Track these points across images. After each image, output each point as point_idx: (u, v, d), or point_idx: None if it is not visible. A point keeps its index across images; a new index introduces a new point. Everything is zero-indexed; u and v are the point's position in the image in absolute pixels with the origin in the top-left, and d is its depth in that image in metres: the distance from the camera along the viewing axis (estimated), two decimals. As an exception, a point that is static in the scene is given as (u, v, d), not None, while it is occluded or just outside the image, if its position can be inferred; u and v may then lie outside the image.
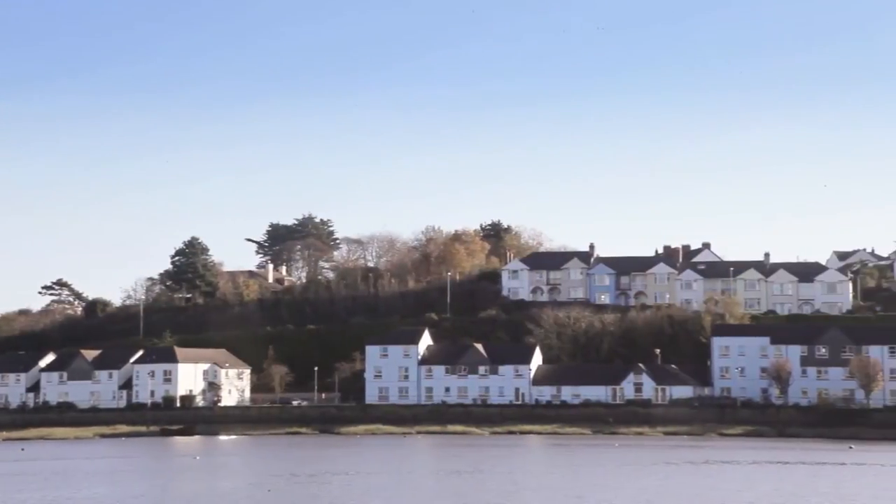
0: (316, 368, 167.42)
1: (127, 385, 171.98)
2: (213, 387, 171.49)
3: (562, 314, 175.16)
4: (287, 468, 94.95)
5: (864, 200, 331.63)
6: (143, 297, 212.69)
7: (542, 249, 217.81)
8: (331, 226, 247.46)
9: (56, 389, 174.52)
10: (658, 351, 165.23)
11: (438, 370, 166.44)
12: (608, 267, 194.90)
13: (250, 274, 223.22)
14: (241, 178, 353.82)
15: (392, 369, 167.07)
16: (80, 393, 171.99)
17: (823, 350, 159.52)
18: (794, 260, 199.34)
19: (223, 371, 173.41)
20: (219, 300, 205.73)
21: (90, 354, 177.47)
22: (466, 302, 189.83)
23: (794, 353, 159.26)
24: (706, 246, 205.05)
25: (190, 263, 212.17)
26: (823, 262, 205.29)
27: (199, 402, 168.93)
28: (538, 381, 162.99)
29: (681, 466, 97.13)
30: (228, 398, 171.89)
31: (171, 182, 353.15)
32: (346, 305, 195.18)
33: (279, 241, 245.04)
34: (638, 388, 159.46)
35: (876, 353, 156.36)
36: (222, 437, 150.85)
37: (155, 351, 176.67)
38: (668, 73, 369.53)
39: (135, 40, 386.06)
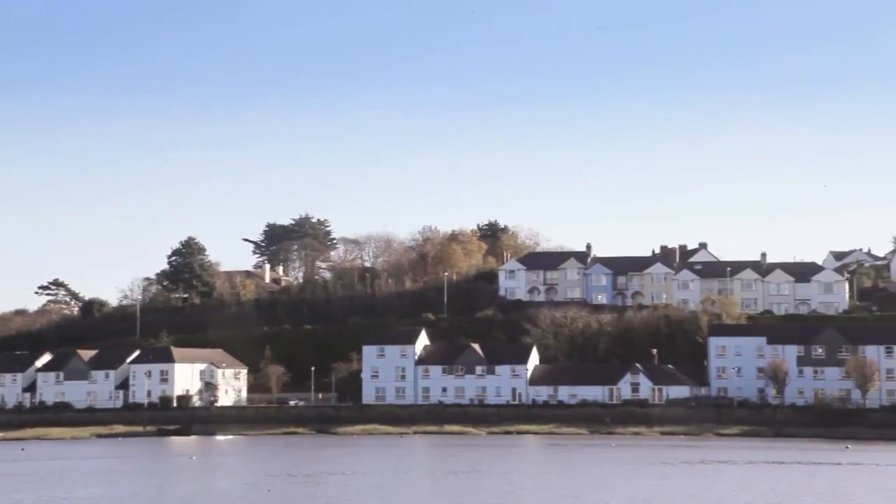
0: (313, 368, 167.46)
1: (123, 385, 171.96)
2: (209, 387, 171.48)
3: (559, 314, 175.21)
4: (284, 468, 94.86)
5: (863, 200, 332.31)
6: (139, 297, 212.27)
7: (538, 249, 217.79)
8: (328, 226, 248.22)
9: (52, 389, 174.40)
10: (655, 351, 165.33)
11: (435, 370, 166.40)
12: (605, 267, 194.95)
13: (247, 274, 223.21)
14: (241, 179, 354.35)
15: (389, 369, 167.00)
16: (77, 393, 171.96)
17: (820, 350, 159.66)
18: (790, 260, 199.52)
19: (220, 371, 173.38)
20: (215, 300, 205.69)
21: (87, 354, 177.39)
22: (463, 302, 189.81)
23: (790, 353, 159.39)
24: (703, 246, 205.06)
25: (186, 263, 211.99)
26: (820, 263, 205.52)
27: (196, 402, 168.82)
28: (535, 381, 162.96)
29: (677, 466, 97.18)
30: (225, 398, 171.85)
31: (170, 182, 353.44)
32: (342, 305, 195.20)
33: (276, 242, 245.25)
34: (635, 388, 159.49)
35: (872, 353, 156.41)
36: (219, 437, 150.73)
37: (151, 351, 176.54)
38: (668, 73, 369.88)
39: (135, 40, 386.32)
